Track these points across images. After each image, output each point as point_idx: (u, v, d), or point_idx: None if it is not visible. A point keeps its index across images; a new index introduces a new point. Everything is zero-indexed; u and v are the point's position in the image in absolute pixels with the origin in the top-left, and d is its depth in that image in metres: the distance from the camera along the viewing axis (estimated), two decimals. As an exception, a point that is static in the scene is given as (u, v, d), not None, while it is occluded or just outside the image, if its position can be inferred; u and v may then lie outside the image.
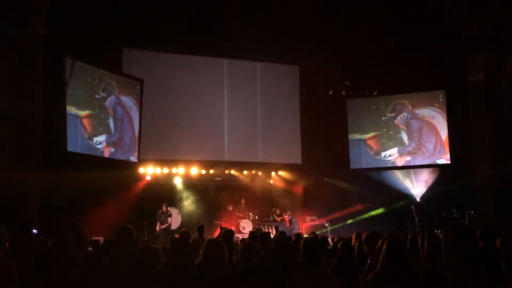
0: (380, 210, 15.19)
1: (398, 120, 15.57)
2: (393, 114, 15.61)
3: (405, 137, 15.55)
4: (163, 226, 13.70)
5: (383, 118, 15.80)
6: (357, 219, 14.92)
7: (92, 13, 12.16)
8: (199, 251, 4.62)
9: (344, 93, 16.28)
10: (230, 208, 15.36)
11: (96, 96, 12.79)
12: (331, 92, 16.28)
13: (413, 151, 15.40)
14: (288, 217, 14.71)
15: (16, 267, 4.70)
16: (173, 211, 14.27)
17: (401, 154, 15.51)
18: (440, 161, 15.07)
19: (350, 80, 16.04)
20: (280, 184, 16.52)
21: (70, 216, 11.30)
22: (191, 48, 15.07)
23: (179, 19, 13.62)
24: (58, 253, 5.42)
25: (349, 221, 14.84)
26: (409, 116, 15.46)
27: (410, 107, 15.46)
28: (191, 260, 4.89)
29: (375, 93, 16.05)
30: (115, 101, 13.35)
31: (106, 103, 13.08)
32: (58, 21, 11.38)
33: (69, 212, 11.52)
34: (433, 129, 15.17)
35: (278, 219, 15.08)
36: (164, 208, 13.96)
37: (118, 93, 13.42)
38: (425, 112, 15.33)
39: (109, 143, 13.08)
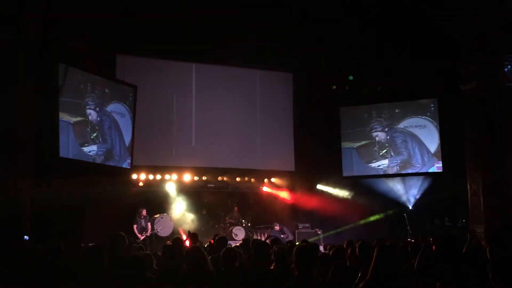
0: (376, 216, 15.23)
1: (381, 138, 15.67)
2: (373, 135, 15.73)
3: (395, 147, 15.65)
4: (147, 234, 13.49)
5: (375, 126, 15.86)
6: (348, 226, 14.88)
7: (86, 19, 12.15)
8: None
9: (347, 87, 16.25)
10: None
11: (89, 103, 12.75)
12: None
13: (402, 164, 15.48)
14: (276, 228, 14.66)
15: (6, 274, 4.67)
16: (166, 217, 14.20)
17: (391, 165, 15.59)
18: (432, 170, 15.14)
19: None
20: (273, 191, 16.51)
21: (62, 222, 11.26)
22: (185, 54, 15.09)
23: (174, 26, 13.63)
24: (49, 259, 5.40)
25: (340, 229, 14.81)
26: (388, 131, 15.59)
27: (384, 121, 15.58)
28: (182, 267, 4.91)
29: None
30: (100, 112, 13.09)
31: (91, 113, 12.91)
32: (52, 26, 11.36)
33: (61, 219, 11.47)
34: (417, 140, 15.29)
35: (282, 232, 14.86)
36: (143, 212, 13.67)
37: (106, 102, 13.24)
38: (416, 121, 15.41)
39: (100, 153, 13.00)
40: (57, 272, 5.13)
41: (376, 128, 15.74)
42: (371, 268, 3.88)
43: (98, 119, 13.02)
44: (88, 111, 12.75)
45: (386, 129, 15.65)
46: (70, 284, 4.78)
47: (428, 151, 15.09)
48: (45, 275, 5.08)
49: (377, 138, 15.71)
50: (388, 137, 15.58)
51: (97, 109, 12.99)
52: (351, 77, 16.18)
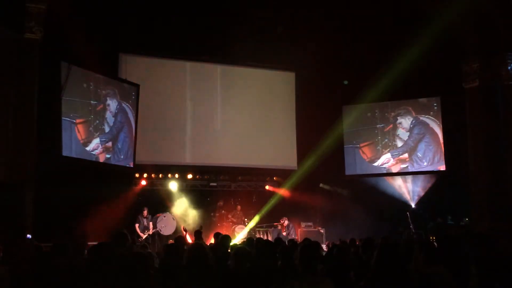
0: None
1: (403, 124, 15.56)
2: (398, 119, 15.62)
3: (400, 143, 15.58)
4: (149, 233, 13.53)
5: (378, 125, 15.84)
6: None
7: (89, 18, 12.15)
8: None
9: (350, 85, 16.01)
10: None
11: (92, 102, 12.76)
12: (346, 82, 16.05)
13: (407, 150, 15.39)
14: (285, 223, 14.63)
15: (9, 272, 4.67)
16: (168, 216, 14.22)
17: (394, 156, 15.53)
18: (435, 168, 15.11)
19: (343, 87, 16.04)
20: (275, 189, 16.51)
21: (65, 221, 11.27)
22: (186, 54, 15.10)
23: (175, 25, 13.63)
24: (56, 259, 5.40)
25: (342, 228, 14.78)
26: (413, 121, 15.49)
27: (414, 112, 15.50)
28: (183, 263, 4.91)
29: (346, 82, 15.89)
30: (118, 106, 13.36)
31: (107, 108, 13.06)
32: (54, 25, 11.36)
33: (64, 217, 11.49)
34: (435, 137, 15.18)
35: (284, 228, 14.81)
36: (145, 212, 13.70)
37: (119, 98, 13.45)
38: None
39: (104, 148, 13.02)
40: (61, 270, 5.14)
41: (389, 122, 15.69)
42: (372, 266, 3.87)
43: (116, 111, 13.28)
44: (107, 101, 13.09)
45: (410, 118, 15.56)
46: (74, 283, 4.79)
47: (440, 151, 14.99)
48: (49, 274, 5.09)
49: (397, 124, 15.61)
50: (411, 125, 15.48)
51: (116, 102, 13.27)
52: (345, 82, 16.07)
